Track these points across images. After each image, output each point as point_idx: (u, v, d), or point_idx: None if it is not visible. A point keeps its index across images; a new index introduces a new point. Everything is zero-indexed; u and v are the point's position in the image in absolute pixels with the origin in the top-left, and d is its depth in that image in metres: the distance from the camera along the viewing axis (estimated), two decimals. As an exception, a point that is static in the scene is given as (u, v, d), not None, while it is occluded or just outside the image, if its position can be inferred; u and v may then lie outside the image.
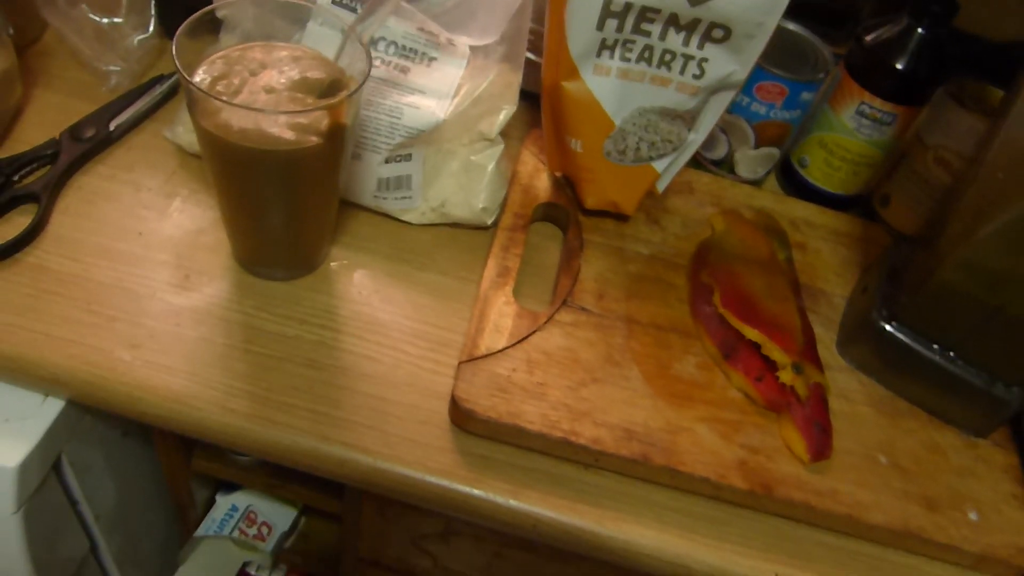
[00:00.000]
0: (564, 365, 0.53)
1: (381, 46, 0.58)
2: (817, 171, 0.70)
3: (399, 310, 0.56)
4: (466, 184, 0.60)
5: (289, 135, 0.46)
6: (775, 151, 0.70)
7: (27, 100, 0.62)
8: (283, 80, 0.48)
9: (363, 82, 0.46)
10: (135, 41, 0.65)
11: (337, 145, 0.49)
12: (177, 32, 0.46)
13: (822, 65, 0.66)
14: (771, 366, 0.53)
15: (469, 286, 0.59)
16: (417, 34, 0.58)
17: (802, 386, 0.52)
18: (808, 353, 0.54)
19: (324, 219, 0.55)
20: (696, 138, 0.62)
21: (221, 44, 0.57)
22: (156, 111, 0.64)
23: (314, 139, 0.46)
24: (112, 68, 0.64)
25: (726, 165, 0.71)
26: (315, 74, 0.49)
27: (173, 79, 0.65)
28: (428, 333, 0.55)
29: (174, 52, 0.45)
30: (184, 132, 0.61)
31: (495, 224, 0.62)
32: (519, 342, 0.54)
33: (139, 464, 0.71)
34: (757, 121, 0.66)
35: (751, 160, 0.70)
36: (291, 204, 0.51)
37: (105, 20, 0.64)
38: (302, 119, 0.46)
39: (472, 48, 0.59)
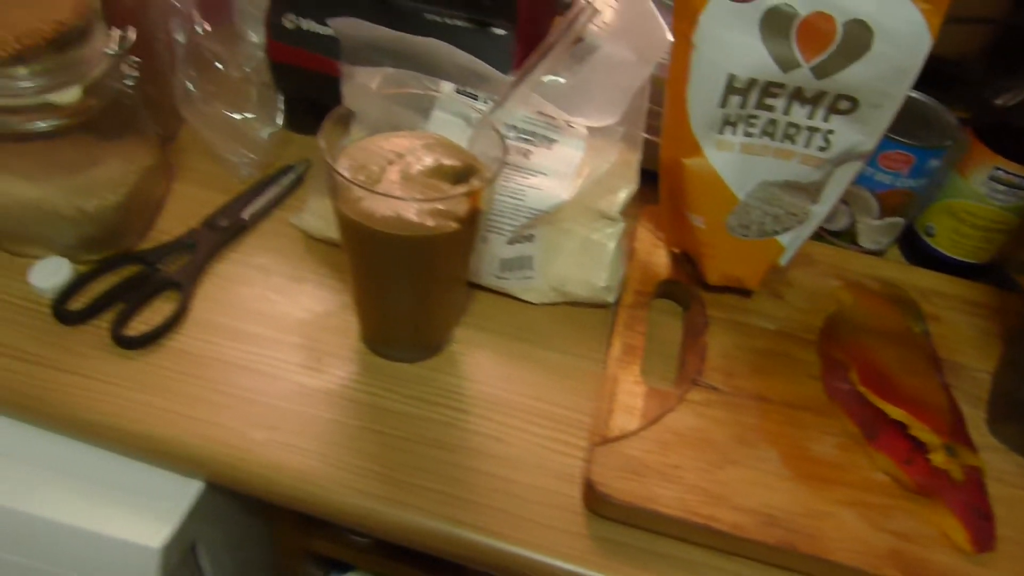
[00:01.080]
0: (698, 446, 0.52)
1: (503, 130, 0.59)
2: (945, 239, 0.68)
3: (524, 390, 0.56)
4: (586, 263, 0.60)
5: (429, 221, 0.47)
6: (899, 220, 0.68)
7: (167, 191, 0.65)
8: (419, 168, 0.49)
9: (500, 168, 0.47)
10: (264, 134, 0.68)
11: (473, 229, 0.49)
12: (322, 127, 0.48)
13: (948, 131, 0.64)
14: (919, 447, 0.51)
15: (592, 365, 0.58)
16: (536, 118, 0.60)
17: (957, 469, 0.49)
18: (959, 433, 0.51)
19: (453, 302, 0.56)
20: (821, 210, 0.60)
21: (351, 135, 0.60)
22: (284, 199, 0.67)
23: (452, 225, 0.47)
24: (243, 160, 0.67)
25: (847, 236, 0.69)
26: (449, 161, 0.50)
27: (299, 169, 0.68)
28: (554, 413, 0.55)
29: (322, 145, 0.47)
30: (310, 219, 0.63)
31: (615, 302, 0.61)
32: (651, 423, 0.52)
33: (255, 541, 0.71)
34: (881, 190, 0.65)
35: (874, 230, 0.68)
36: (424, 287, 0.52)
37: (238, 116, 0.68)
38: (441, 205, 0.47)
39: (590, 128, 0.59)
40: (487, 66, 0.59)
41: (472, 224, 0.49)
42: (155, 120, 0.65)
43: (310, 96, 0.70)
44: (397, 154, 0.51)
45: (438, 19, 0.64)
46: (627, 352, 0.56)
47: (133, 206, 0.59)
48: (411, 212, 0.47)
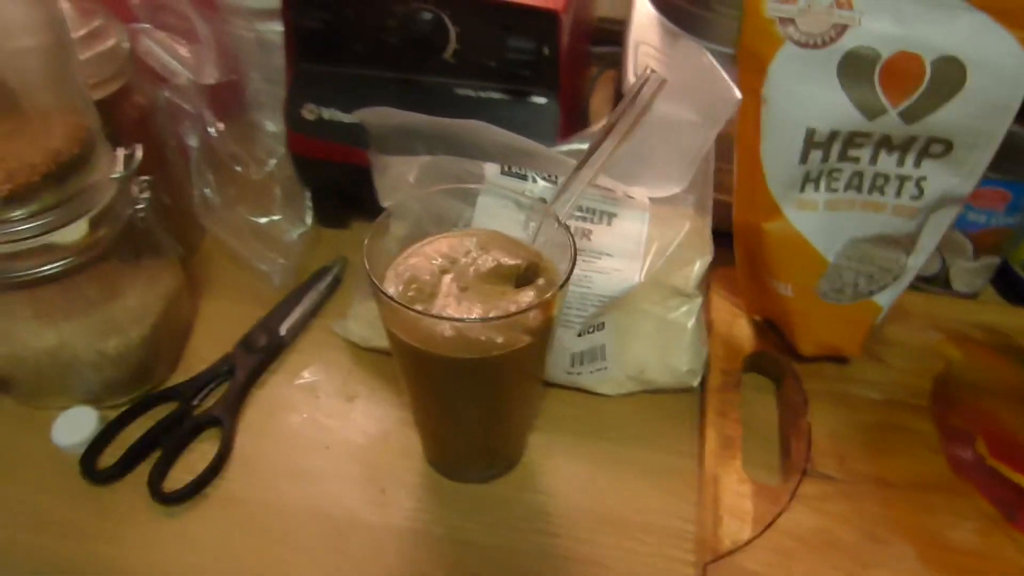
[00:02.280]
0: (824, 551, 0.46)
1: (555, 210, 0.54)
2: (1047, 274, 0.62)
3: (616, 500, 0.50)
4: (664, 345, 0.54)
5: (497, 338, 0.41)
6: (995, 260, 0.62)
7: (195, 312, 0.60)
8: (476, 272, 0.44)
9: (572, 268, 0.41)
10: (294, 236, 0.63)
11: (546, 338, 0.44)
12: (365, 246, 0.42)
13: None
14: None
15: (686, 461, 0.52)
16: (591, 191, 0.54)
17: None
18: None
19: (527, 413, 0.50)
20: (917, 261, 0.54)
21: (392, 232, 0.54)
22: (323, 305, 0.61)
23: (524, 339, 0.41)
24: (274, 267, 0.62)
25: (939, 280, 0.63)
26: (508, 260, 0.45)
27: (336, 269, 0.63)
28: (654, 524, 0.49)
29: (367, 266, 0.41)
30: (355, 326, 0.58)
31: (700, 384, 0.55)
32: (766, 529, 0.46)
33: None
34: (975, 230, 0.59)
35: (968, 273, 0.62)
36: (495, 405, 0.46)
37: (263, 219, 0.63)
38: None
39: (653, 198, 0.54)
40: (532, 142, 0.54)
41: (545, 334, 0.43)
42: (174, 235, 0.60)
43: (339, 189, 0.65)
44: (449, 259, 0.45)
45: (472, 94, 0.59)
46: (724, 445, 0.50)
47: (159, 337, 0.54)
48: (476, 331, 0.41)
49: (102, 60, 0.52)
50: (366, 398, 0.55)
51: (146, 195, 0.51)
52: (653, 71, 0.43)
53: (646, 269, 0.52)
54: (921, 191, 0.50)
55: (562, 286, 0.41)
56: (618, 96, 0.70)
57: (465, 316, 0.41)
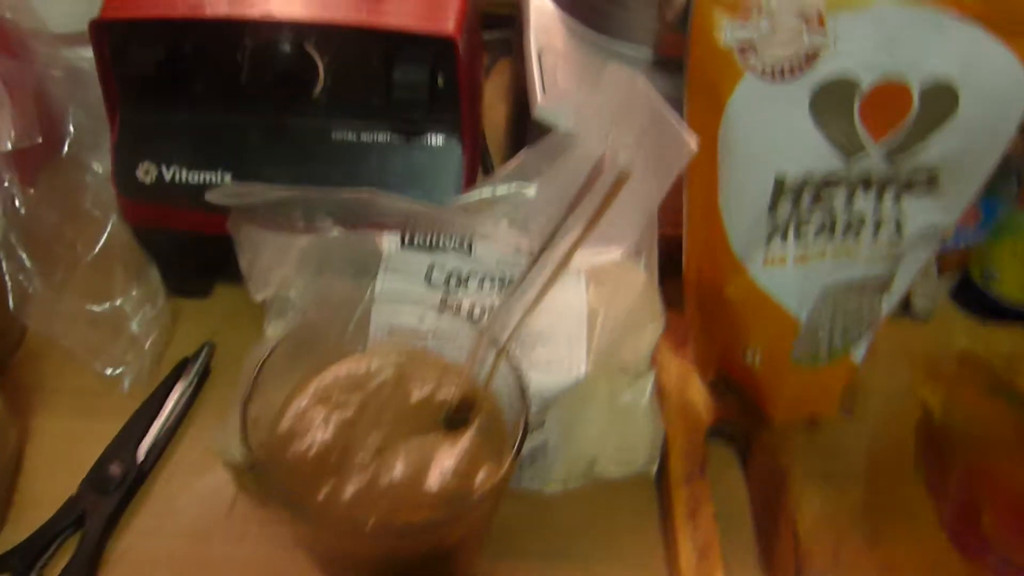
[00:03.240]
0: None
1: (472, 284, 0.44)
2: (1012, 283, 0.56)
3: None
4: (617, 433, 0.45)
5: (439, 515, 0.31)
6: (955, 274, 0.55)
7: (24, 437, 0.47)
8: (395, 415, 0.34)
9: (525, 425, 0.31)
10: (144, 322, 0.50)
11: (499, 498, 0.34)
12: (240, 412, 0.31)
13: (1012, 170, 0.52)
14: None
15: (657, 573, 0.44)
16: (513, 257, 0.44)
17: None
18: None
19: (475, 562, 0.40)
20: (891, 303, 0.47)
21: (267, 334, 0.43)
22: (189, 412, 0.49)
23: (472, 515, 0.32)
24: (122, 367, 0.49)
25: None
26: (433, 394, 0.35)
27: (201, 362, 0.51)
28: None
29: (242, 436, 0.30)
30: (235, 445, 0.46)
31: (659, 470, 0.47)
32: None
33: None
34: (944, 252, 0.52)
35: (930, 291, 0.56)
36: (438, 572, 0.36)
37: (101, 307, 0.50)
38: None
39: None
40: (436, 208, 0.43)
41: (495, 502, 0.34)
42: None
43: (195, 259, 0.52)
44: (356, 399, 0.35)
45: (351, 138, 0.48)
46: (703, 556, 0.42)
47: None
48: (411, 511, 0.31)
49: None
50: (256, 538, 0.44)
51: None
52: (610, 155, 0.32)
53: (593, 355, 0.42)
54: (900, 231, 0.43)
55: (516, 454, 0.31)
56: (516, 94, 0.59)
57: (393, 503, 0.31)
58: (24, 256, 0.48)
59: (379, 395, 0.36)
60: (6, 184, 0.47)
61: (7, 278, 0.48)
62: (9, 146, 0.45)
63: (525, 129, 0.52)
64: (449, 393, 0.36)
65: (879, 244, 0.43)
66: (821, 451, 0.48)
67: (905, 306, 0.57)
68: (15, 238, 0.48)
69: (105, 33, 0.45)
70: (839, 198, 0.41)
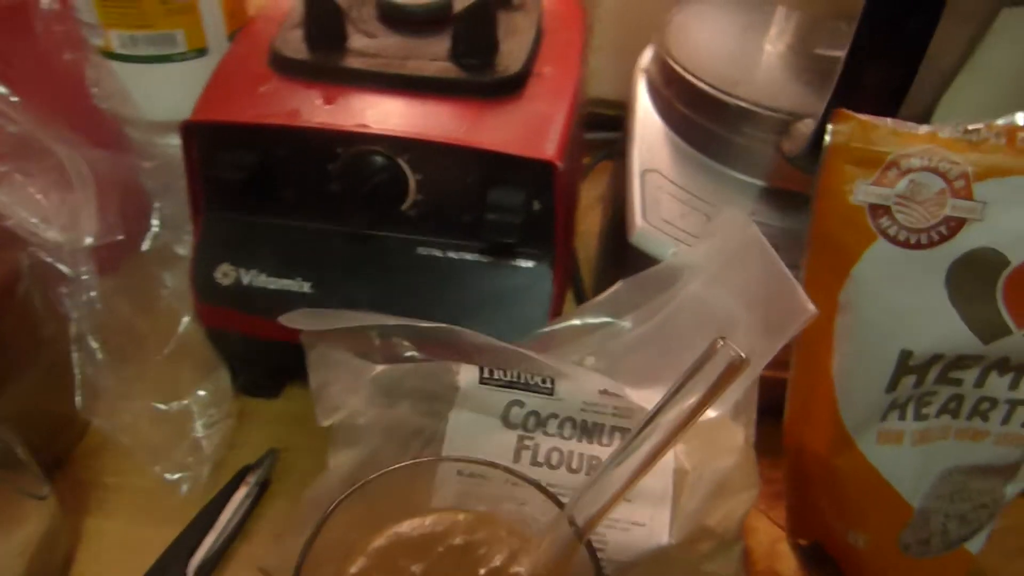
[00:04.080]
0: None
1: (552, 426, 0.41)
2: None
3: None
4: (698, 604, 0.41)
5: None
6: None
7: (76, 540, 0.46)
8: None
9: None
10: (209, 425, 0.49)
11: None
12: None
13: None
14: None
15: None
16: (598, 399, 0.41)
17: None
18: None
19: None
20: (1015, 489, 0.42)
21: (329, 464, 0.41)
22: (245, 524, 0.47)
23: None
24: (181, 472, 0.47)
25: None
26: (504, 565, 0.32)
27: (263, 470, 0.48)
28: None
29: None
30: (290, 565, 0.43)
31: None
32: None
33: None
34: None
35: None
36: None
37: (166, 406, 0.48)
38: None
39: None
40: (520, 349, 0.40)
41: None
42: (47, 437, 0.45)
43: (268, 364, 0.51)
44: (420, 570, 0.32)
45: (438, 254, 0.45)
46: None
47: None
48: None
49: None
50: None
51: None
52: (725, 341, 0.29)
53: (679, 520, 0.39)
54: (1037, 415, 0.38)
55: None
56: (614, 208, 0.57)
57: None
58: (96, 349, 0.47)
59: (443, 564, 0.33)
60: (84, 276, 0.46)
61: (76, 371, 0.47)
62: (91, 240, 0.44)
63: (622, 255, 0.49)
64: (519, 571, 0.32)
65: (1010, 429, 0.38)
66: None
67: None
68: (89, 332, 0.47)
69: (195, 134, 0.44)
70: (970, 379, 0.37)
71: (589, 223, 0.64)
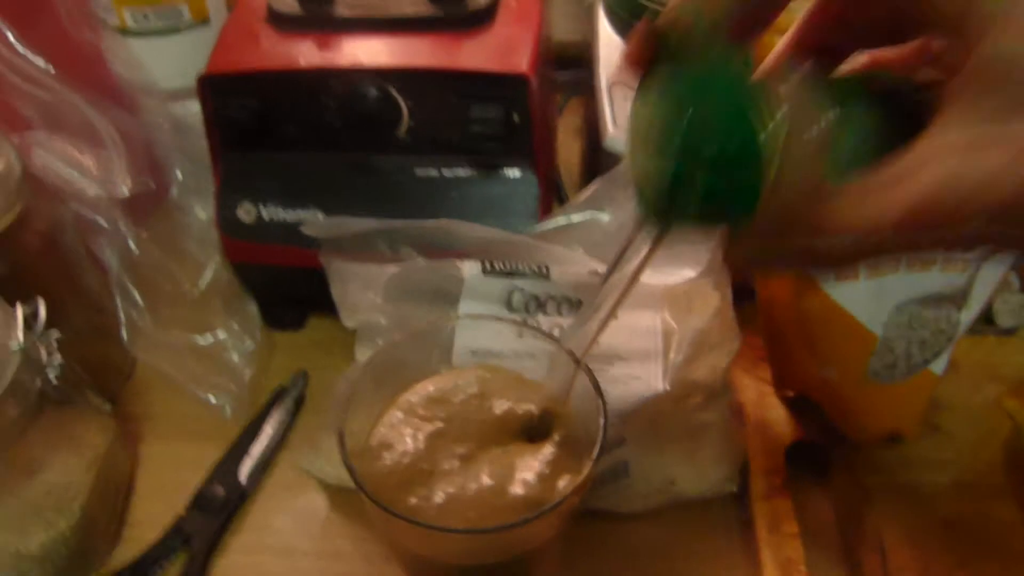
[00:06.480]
0: None
1: (551, 307, 0.46)
2: (1100, 300, 0.55)
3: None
4: (695, 450, 0.46)
5: (525, 516, 0.33)
6: (1040, 289, 0.55)
7: (135, 462, 0.51)
8: (479, 428, 0.36)
9: (603, 434, 0.33)
10: (243, 353, 0.54)
11: (576, 509, 0.35)
12: (337, 424, 0.34)
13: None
14: None
15: (740, 589, 0.44)
16: (588, 279, 0.46)
17: None
18: None
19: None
20: (969, 316, 0.47)
21: (357, 358, 0.46)
22: (287, 436, 0.52)
23: (554, 522, 0.33)
24: (224, 395, 0.52)
25: (980, 318, 0.56)
26: (516, 407, 0.37)
27: (296, 389, 0.53)
28: None
29: (344, 458, 0.33)
30: (327, 464, 0.48)
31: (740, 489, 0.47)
32: None
33: None
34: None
35: (1013, 305, 0.55)
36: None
37: (204, 340, 0.53)
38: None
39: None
40: (513, 235, 0.45)
41: (575, 507, 0.35)
42: (99, 371, 0.50)
43: (292, 293, 0.56)
44: (441, 412, 0.37)
45: (434, 173, 0.50)
46: (786, 572, 0.43)
47: (94, 516, 0.44)
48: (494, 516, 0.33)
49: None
50: (349, 557, 0.46)
51: (57, 358, 0.41)
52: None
53: (670, 372, 0.44)
54: (976, 243, 0.43)
55: (600, 453, 0.32)
56: (588, 129, 0.62)
57: (479, 510, 0.32)
58: (136, 294, 0.52)
59: (464, 409, 0.38)
60: (121, 228, 0.51)
61: (121, 314, 0.52)
62: (126, 192, 0.49)
63: (598, 160, 0.54)
64: (530, 407, 0.37)
65: (952, 257, 0.43)
66: (905, 468, 0.48)
67: (989, 321, 0.56)
68: (128, 278, 0.52)
69: (210, 86, 0.49)
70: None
71: (569, 154, 0.69)
